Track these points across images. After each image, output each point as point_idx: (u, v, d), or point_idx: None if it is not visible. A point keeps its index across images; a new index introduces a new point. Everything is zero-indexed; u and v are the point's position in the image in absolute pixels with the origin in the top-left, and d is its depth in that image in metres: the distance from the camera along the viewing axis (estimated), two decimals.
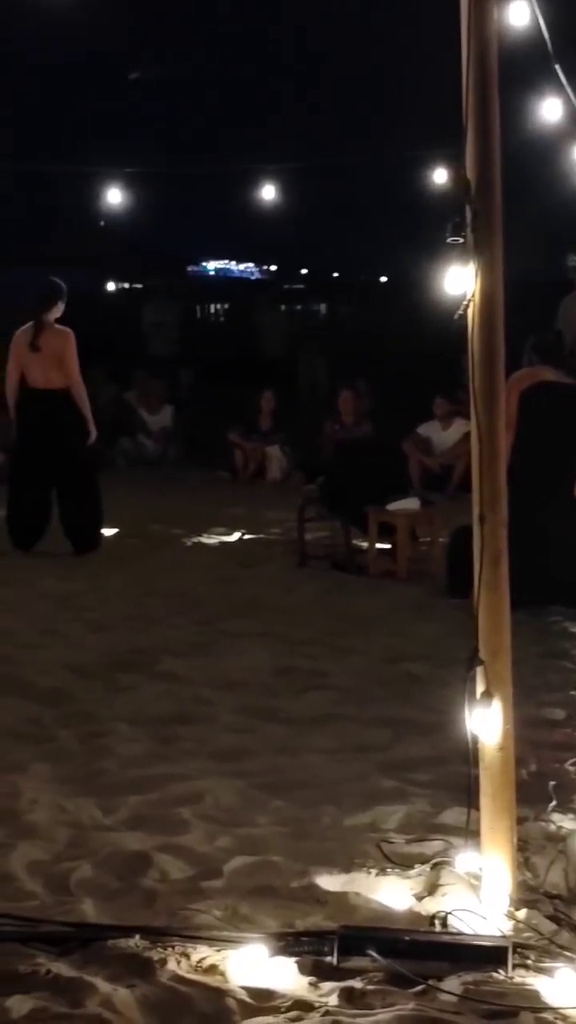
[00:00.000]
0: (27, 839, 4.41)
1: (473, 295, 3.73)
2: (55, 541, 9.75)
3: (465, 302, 3.73)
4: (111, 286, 33.78)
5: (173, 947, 3.59)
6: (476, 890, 3.82)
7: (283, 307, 26.51)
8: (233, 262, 46.35)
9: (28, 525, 9.73)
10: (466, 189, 3.72)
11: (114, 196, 14.01)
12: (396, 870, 4.12)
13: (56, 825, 4.57)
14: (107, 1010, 3.28)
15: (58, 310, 9.73)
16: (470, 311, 3.74)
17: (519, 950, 3.54)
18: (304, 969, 3.50)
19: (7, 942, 3.63)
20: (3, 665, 6.69)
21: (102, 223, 29.71)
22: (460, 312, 3.74)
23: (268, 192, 14.43)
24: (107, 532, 10.18)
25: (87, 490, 9.73)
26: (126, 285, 33.90)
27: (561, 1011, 3.28)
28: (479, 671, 3.75)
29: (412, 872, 4.09)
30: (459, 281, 3.73)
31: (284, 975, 3.47)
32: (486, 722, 3.74)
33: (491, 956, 3.48)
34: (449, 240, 3.71)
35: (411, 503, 9.55)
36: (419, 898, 3.92)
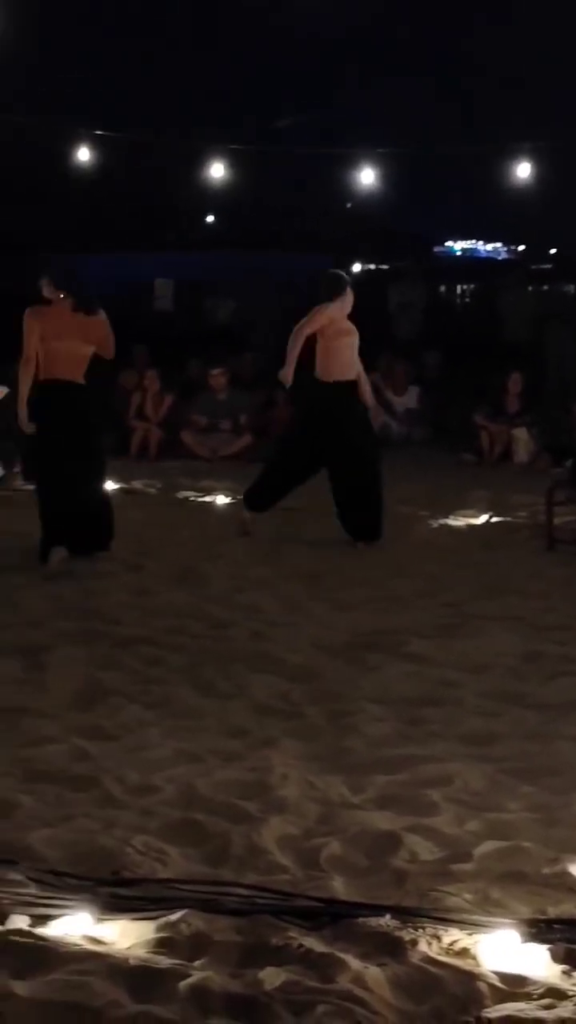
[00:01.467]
0: (278, 814, 4.47)
1: None
2: (300, 524, 9.83)
3: None
4: (356, 267, 33.92)
5: (424, 928, 3.60)
6: None
7: (530, 288, 26.13)
8: (480, 242, 45.96)
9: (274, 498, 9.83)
10: None
11: (367, 177, 14.03)
12: None
13: (306, 801, 4.63)
14: (358, 987, 3.31)
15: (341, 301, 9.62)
16: None
17: None
18: (557, 957, 3.46)
19: (260, 914, 3.70)
20: (255, 641, 6.81)
21: (348, 205, 29.83)
22: None
23: (519, 171, 14.24)
24: None
25: (370, 483, 9.66)
26: (371, 266, 33.95)
27: None
28: None
29: None
30: None
31: (536, 962, 3.44)
32: None
33: None
34: None
35: None
36: None
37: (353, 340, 9.63)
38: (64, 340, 8.48)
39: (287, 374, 9.42)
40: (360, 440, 9.54)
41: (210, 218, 33.36)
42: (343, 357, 9.56)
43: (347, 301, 9.60)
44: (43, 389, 8.55)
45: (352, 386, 9.63)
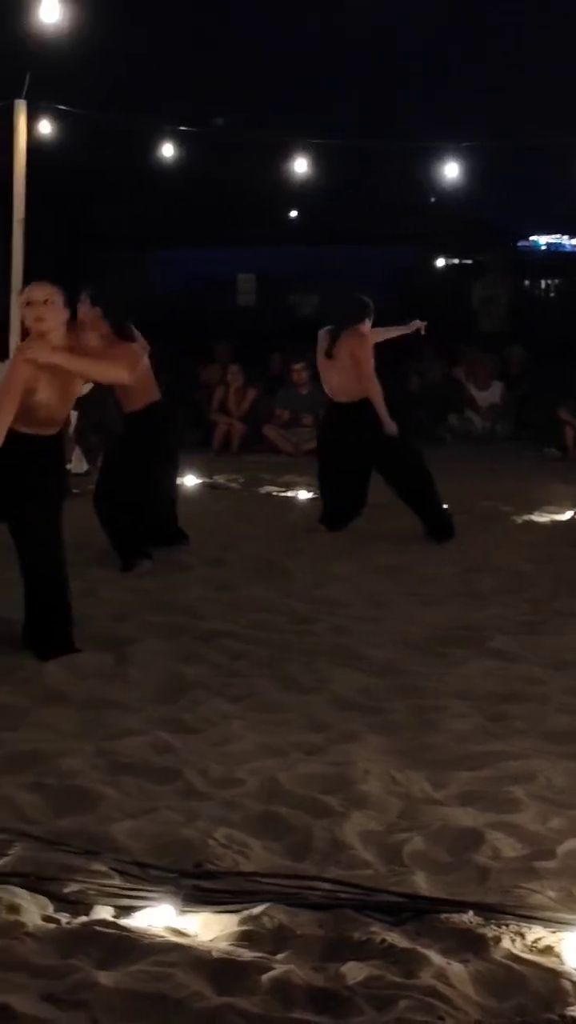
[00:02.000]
0: (360, 808, 4.47)
1: None
2: (381, 519, 9.82)
3: None
4: (440, 262, 33.74)
5: (507, 925, 3.58)
6: None
7: None
8: (565, 236, 45.53)
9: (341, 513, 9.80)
10: None
11: (451, 170, 13.95)
12: None
13: (388, 796, 4.62)
14: (441, 983, 3.30)
15: (364, 327, 9.63)
16: None
17: None
18: None
19: (342, 909, 3.70)
20: (337, 636, 6.81)
21: (432, 199, 29.69)
22: None
23: None
24: None
25: (415, 485, 9.63)
26: (455, 261, 33.77)
27: None
28: None
29: None
30: None
31: None
32: None
33: None
34: None
35: None
36: None
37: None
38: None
39: (392, 428, 9.46)
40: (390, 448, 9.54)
41: (293, 213, 33.32)
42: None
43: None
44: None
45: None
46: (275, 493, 12.22)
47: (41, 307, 6.23)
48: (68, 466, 12.29)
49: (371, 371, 9.51)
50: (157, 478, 8.69)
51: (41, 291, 6.27)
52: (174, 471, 9.07)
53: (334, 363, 9.65)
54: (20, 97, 10.74)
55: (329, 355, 9.68)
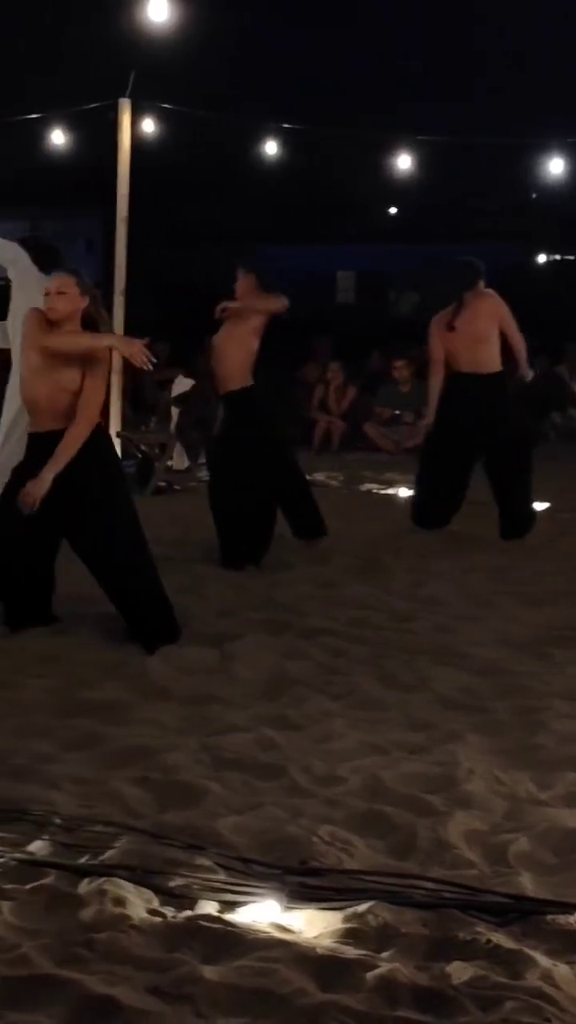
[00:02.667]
0: (464, 808, 4.44)
1: None
2: (483, 517, 9.75)
3: None
4: (541, 258, 33.49)
5: None
6: None
7: None
8: None
9: (443, 508, 9.70)
10: None
11: (555, 166, 13.84)
12: None
13: (492, 796, 4.59)
14: (548, 984, 3.27)
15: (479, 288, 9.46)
16: None
17: None
18: None
19: (447, 908, 3.68)
20: (439, 635, 6.78)
21: (534, 195, 29.45)
22: None
23: None
24: (539, 507, 10.09)
25: (522, 473, 9.56)
26: (557, 257, 33.51)
27: None
28: None
29: None
30: None
31: None
32: None
33: None
34: None
35: None
36: None
37: None
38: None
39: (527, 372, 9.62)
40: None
41: (393, 209, 33.26)
42: None
43: None
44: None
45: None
46: (376, 491, 12.21)
47: (55, 298, 6.43)
48: (169, 462, 12.40)
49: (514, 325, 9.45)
50: (262, 462, 8.55)
51: (56, 282, 6.49)
52: (285, 459, 8.93)
53: (461, 334, 9.35)
54: (124, 96, 10.83)
55: (452, 328, 9.40)
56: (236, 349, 8.41)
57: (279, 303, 8.41)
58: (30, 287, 8.04)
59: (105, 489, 6.42)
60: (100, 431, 6.61)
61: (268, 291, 8.51)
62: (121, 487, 6.57)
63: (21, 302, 8.08)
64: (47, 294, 6.49)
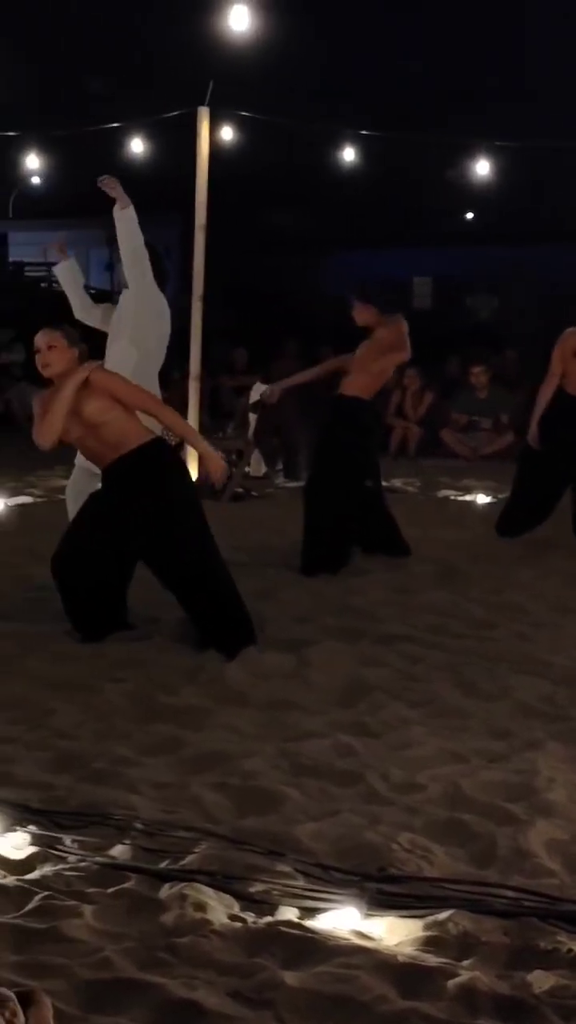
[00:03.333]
0: (545, 817, 4.42)
1: None
2: (562, 525, 9.69)
3: None
4: None
5: None
6: None
7: None
8: None
9: (529, 521, 9.64)
10: None
11: None
12: None
13: (573, 805, 4.55)
14: None
15: None
16: None
17: None
18: None
19: (527, 917, 3.67)
20: (518, 642, 6.75)
21: None
22: None
23: None
24: None
25: None
26: None
27: None
28: None
29: None
30: None
31: None
32: None
33: None
34: None
35: None
36: None
37: None
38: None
39: None
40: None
41: (469, 215, 33.11)
42: None
43: None
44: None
45: None
46: (453, 497, 12.17)
47: (46, 353, 6.51)
48: (247, 469, 12.45)
49: None
50: (361, 472, 8.64)
51: (44, 338, 6.54)
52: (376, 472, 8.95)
53: None
54: (203, 104, 10.88)
55: None
56: (373, 366, 8.46)
57: (404, 355, 8.60)
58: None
59: (173, 501, 6.44)
60: (162, 443, 6.64)
61: (387, 316, 8.55)
62: (190, 498, 6.57)
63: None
64: (37, 351, 6.55)
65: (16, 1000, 2.08)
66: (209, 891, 3.81)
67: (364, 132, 15.12)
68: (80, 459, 7.54)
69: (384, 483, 11.99)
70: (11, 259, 34.29)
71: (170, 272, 8.38)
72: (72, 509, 7.61)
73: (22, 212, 32.62)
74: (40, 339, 6.58)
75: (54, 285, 28.51)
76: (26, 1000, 2.11)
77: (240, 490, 11.92)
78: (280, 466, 13.31)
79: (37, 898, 3.76)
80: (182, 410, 9.94)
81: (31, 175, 21.52)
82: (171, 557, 6.45)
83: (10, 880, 3.90)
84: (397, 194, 29.24)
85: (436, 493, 12.41)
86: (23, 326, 19.56)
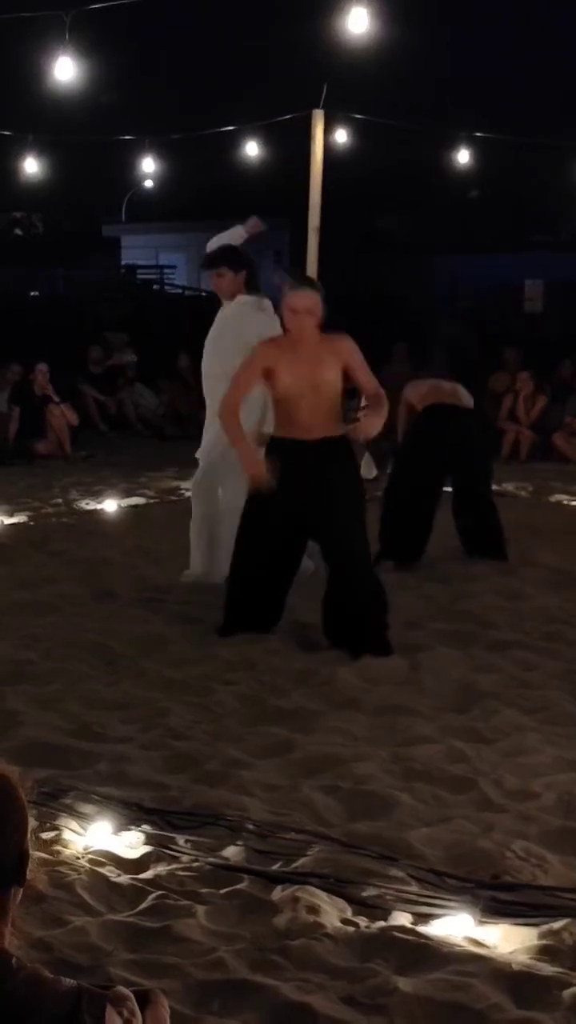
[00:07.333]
0: None
1: None
2: None
3: None
4: None
5: None
6: None
7: None
8: None
9: None
10: None
11: None
12: None
13: None
14: None
15: None
16: None
17: None
18: None
19: None
20: None
21: None
22: None
23: None
24: None
25: None
26: None
27: None
28: None
29: None
30: None
31: None
32: None
33: None
34: None
35: None
36: None
37: None
38: None
39: None
40: None
41: None
42: None
43: None
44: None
45: None
46: (565, 502, 12.04)
47: (305, 316, 6.56)
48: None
49: None
50: (434, 482, 8.87)
51: (306, 300, 6.57)
52: (472, 478, 8.99)
53: None
54: (318, 107, 10.88)
55: None
56: None
57: None
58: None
59: (349, 483, 6.60)
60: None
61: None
62: (360, 485, 6.84)
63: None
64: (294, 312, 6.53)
65: (134, 999, 2.08)
66: (322, 894, 3.80)
67: (478, 134, 15.02)
68: (205, 453, 7.66)
69: (496, 487, 11.95)
70: (123, 262, 34.66)
71: (262, 287, 8.41)
72: (198, 504, 7.71)
73: (134, 216, 32.95)
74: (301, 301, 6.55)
75: (166, 288, 28.81)
76: (143, 1000, 2.10)
77: None
78: (390, 469, 13.26)
79: (151, 897, 3.78)
80: None
81: (144, 179, 21.70)
82: (343, 529, 6.56)
83: (124, 878, 3.93)
84: (508, 197, 29.07)
85: (548, 498, 12.28)
86: (135, 329, 19.74)
